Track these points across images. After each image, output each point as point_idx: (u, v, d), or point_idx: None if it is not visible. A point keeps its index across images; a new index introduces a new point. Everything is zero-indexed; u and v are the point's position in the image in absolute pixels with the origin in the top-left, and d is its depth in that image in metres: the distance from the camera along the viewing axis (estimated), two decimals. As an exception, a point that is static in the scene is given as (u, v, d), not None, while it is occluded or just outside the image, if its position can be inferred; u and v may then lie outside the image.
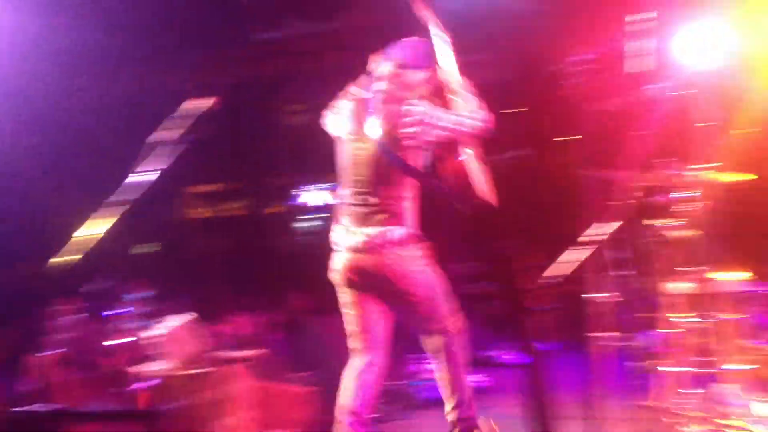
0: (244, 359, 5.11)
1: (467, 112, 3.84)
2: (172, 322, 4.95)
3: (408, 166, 3.77)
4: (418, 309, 3.83)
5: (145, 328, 4.06)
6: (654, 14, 4.16)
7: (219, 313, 7.29)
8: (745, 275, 4.57)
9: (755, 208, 8.23)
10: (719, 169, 3.72)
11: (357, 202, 3.89)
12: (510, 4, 7.81)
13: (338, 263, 3.94)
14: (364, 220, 3.85)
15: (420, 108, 3.78)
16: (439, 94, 3.97)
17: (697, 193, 3.98)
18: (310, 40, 10.48)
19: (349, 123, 3.98)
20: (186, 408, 4.61)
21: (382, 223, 3.79)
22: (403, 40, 4.06)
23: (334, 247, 3.98)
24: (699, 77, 3.59)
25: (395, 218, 3.82)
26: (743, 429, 3.69)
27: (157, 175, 3.66)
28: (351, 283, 3.91)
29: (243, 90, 11.20)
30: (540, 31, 7.78)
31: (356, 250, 3.85)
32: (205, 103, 3.78)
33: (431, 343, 3.88)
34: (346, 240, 3.91)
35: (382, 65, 3.99)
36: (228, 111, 9.80)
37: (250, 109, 11.81)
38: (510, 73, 8.71)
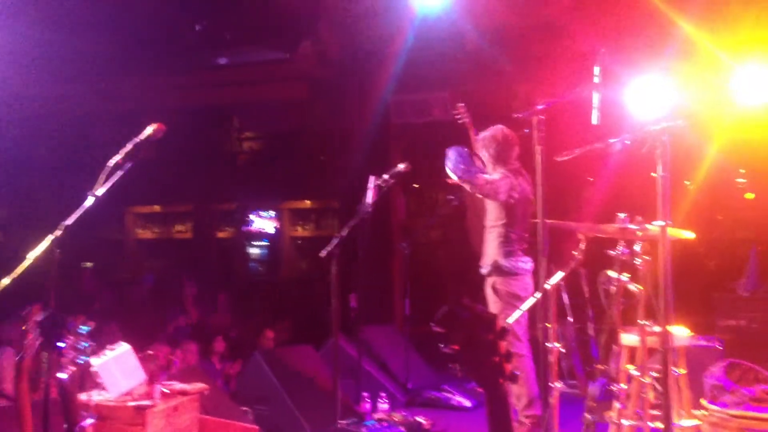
0: (189, 392, 4.97)
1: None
2: (113, 353, 4.78)
3: None
4: None
5: (86, 359, 3.95)
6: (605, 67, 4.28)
7: (157, 340, 7.11)
8: (687, 331, 4.66)
9: (693, 261, 8.49)
10: (670, 225, 3.81)
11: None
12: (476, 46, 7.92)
13: (528, 285, 5.28)
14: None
15: None
16: None
17: (643, 247, 4.07)
18: (264, 67, 10.45)
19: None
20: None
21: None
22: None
23: (520, 271, 5.26)
24: (653, 132, 3.68)
25: None
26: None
27: (107, 196, 3.60)
28: None
29: (198, 115, 11.12)
30: (504, 75, 7.90)
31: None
32: (160, 127, 3.75)
33: None
34: (530, 266, 5.32)
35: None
36: (181, 135, 9.75)
37: (202, 134, 11.72)
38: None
